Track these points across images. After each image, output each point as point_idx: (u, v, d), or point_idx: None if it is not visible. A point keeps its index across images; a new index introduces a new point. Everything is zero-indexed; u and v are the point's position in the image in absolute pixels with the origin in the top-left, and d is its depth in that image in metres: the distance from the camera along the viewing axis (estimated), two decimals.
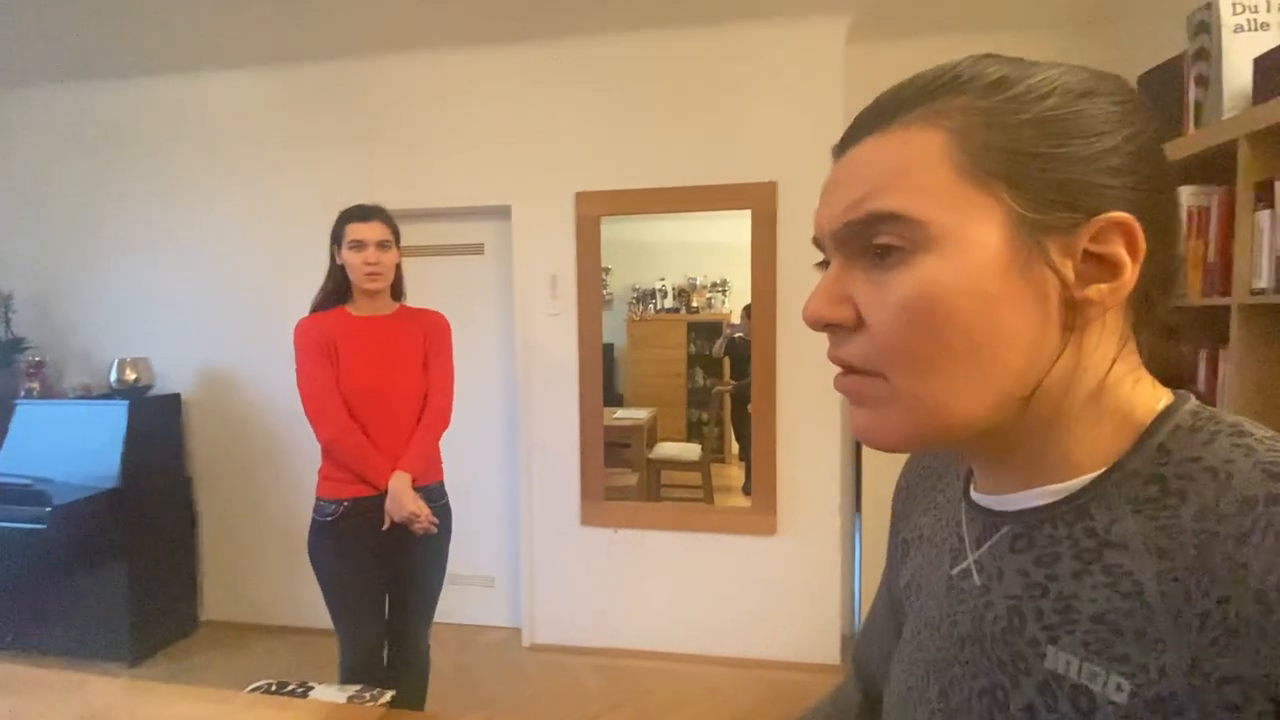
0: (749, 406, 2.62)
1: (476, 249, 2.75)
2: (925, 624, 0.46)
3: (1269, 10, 1.39)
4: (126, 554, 2.51)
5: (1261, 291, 1.27)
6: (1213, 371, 1.43)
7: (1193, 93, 1.49)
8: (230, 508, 2.88)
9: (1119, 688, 0.32)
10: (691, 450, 4.37)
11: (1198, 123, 1.47)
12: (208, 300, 2.83)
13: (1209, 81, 1.43)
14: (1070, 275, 0.35)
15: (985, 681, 0.39)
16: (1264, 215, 1.27)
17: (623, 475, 3.64)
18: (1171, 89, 1.56)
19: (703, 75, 2.42)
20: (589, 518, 2.63)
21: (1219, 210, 1.40)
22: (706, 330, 3.94)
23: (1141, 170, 0.35)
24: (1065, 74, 0.36)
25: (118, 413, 2.56)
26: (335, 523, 1.60)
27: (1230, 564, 0.30)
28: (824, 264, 0.41)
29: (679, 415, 5.36)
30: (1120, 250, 0.34)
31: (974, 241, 0.34)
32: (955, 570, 0.44)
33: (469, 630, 2.78)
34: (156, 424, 2.70)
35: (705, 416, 4.67)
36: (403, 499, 1.57)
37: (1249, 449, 0.33)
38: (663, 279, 5.15)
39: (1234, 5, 1.39)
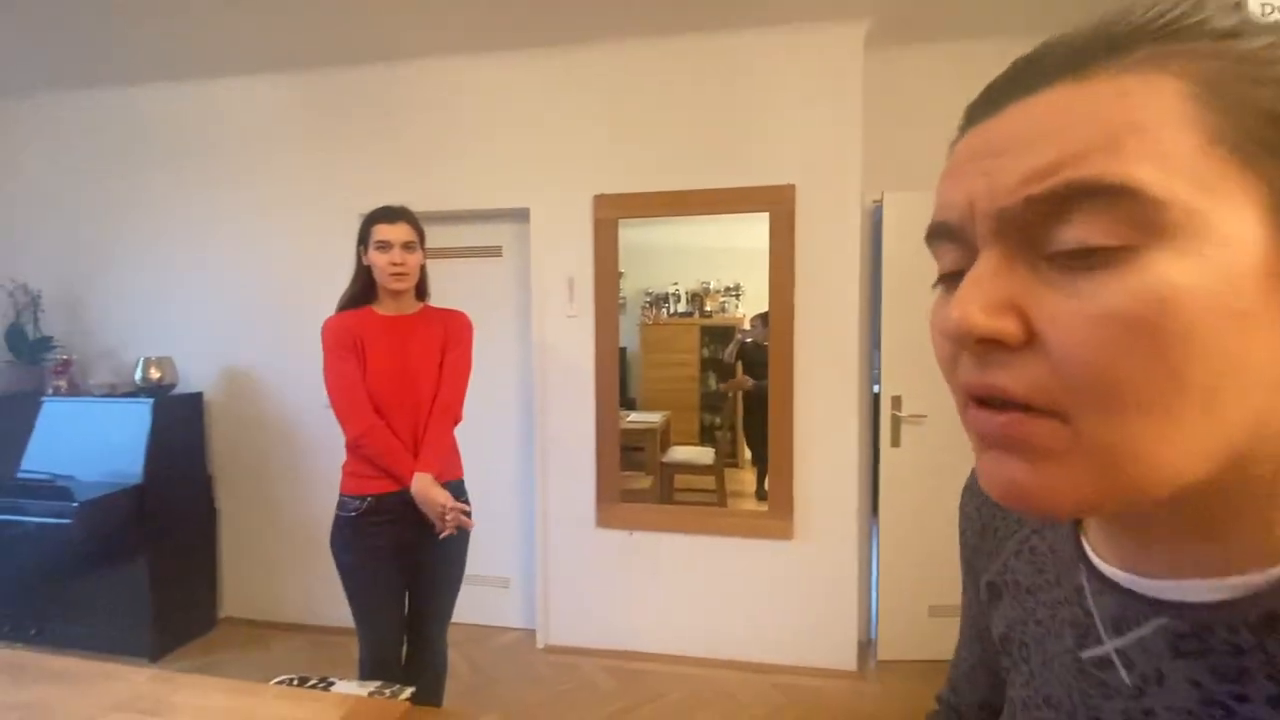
0: (764, 410, 2.61)
1: (495, 251, 2.77)
2: (1046, 702, 0.38)
3: None
4: (148, 550, 2.55)
5: None
6: None
7: None
8: (250, 506, 2.92)
9: None
10: (705, 454, 4.36)
11: None
12: (230, 301, 2.87)
13: None
14: None
15: None
16: None
17: (636, 478, 3.65)
18: None
19: (721, 79, 2.43)
20: (604, 520, 2.63)
21: None
22: (719, 335, 3.93)
23: None
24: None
25: (142, 411, 2.60)
26: (358, 518, 1.61)
27: None
28: (950, 277, 0.31)
29: (692, 419, 5.36)
30: None
31: (1229, 236, 0.24)
32: (1086, 655, 0.35)
33: (484, 631, 2.79)
34: (179, 422, 2.74)
35: (718, 420, 4.67)
36: (431, 495, 1.59)
37: None
38: (676, 283, 5.15)
39: (1264, 5, 1.38)
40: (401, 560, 1.67)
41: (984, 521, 0.48)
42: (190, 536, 2.78)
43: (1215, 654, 0.29)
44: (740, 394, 3.67)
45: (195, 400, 2.85)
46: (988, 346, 0.28)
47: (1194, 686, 0.29)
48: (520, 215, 2.64)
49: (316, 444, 2.75)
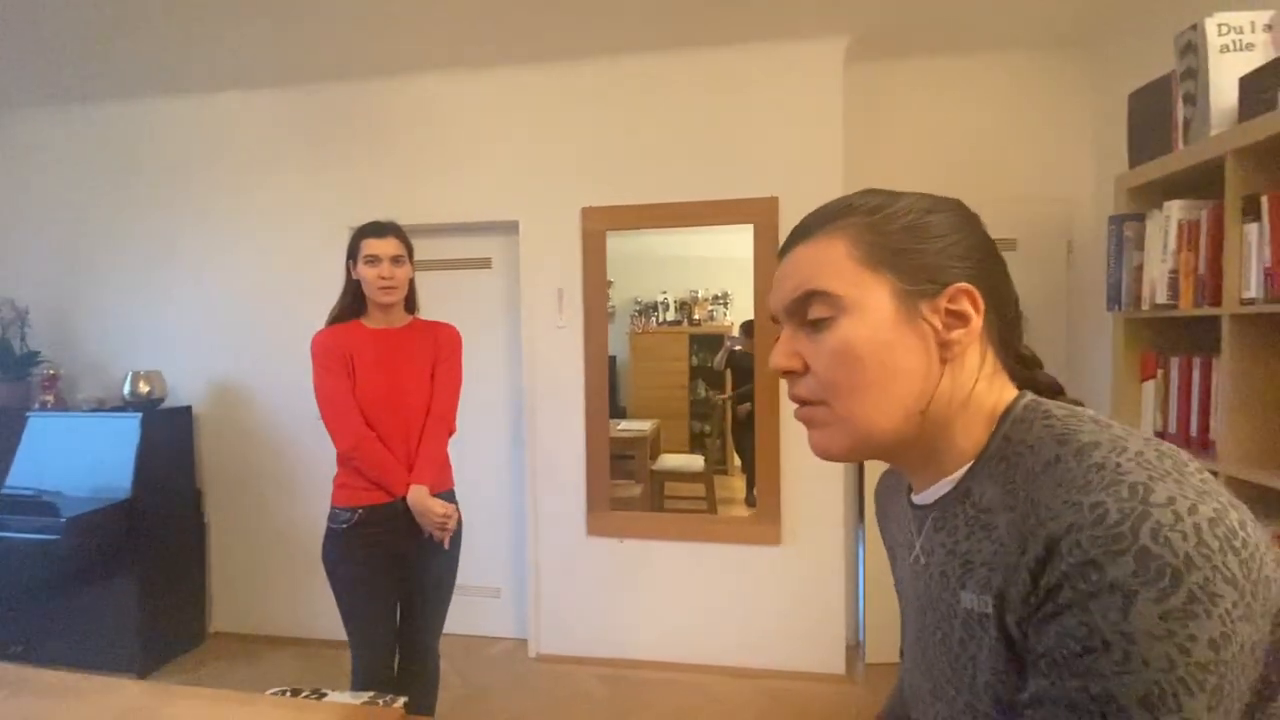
0: (752, 417, 2.64)
1: (484, 263, 2.80)
2: (908, 606, 0.61)
3: (1254, 31, 1.45)
4: (137, 565, 2.53)
5: (1251, 301, 1.31)
6: (1206, 379, 1.47)
7: (1181, 110, 1.53)
8: (240, 520, 2.91)
9: (988, 604, 0.46)
10: (695, 462, 4.39)
11: (1186, 139, 1.52)
12: (219, 315, 2.88)
13: (1196, 99, 1.48)
14: (939, 325, 0.51)
15: (939, 633, 0.52)
16: (1252, 229, 1.31)
17: (627, 487, 3.67)
18: (1160, 106, 1.61)
19: (706, 94, 2.49)
20: (595, 528, 2.65)
21: (1209, 224, 1.44)
22: (708, 343, 3.98)
23: (974, 255, 0.52)
24: (919, 199, 0.54)
25: (130, 425, 2.59)
26: (350, 530, 1.63)
27: (1037, 505, 0.43)
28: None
29: (682, 427, 5.38)
30: (968, 307, 0.51)
31: (873, 307, 0.51)
32: (911, 559, 0.58)
33: (476, 641, 2.79)
34: (168, 436, 2.74)
35: (708, 428, 4.70)
36: (428, 507, 1.61)
37: (1050, 426, 0.47)
38: (665, 292, 5.19)
39: (1220, 27, 1.45)
40: (393, 571, 1.68)
41: (880, 507, 0.70)
42: (179, 550, 2.77)
43: (948, 524, 0.52)
44: (729, 401, 3.71)
45: (184, 414, 2.85)
46: (789, 375, 0.55)
47: (942, 547, 0.53)
48: (509, 228, 2.67)
49: (307, 457, 2.75)
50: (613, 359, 5.82)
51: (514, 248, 2.69)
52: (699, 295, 4.19)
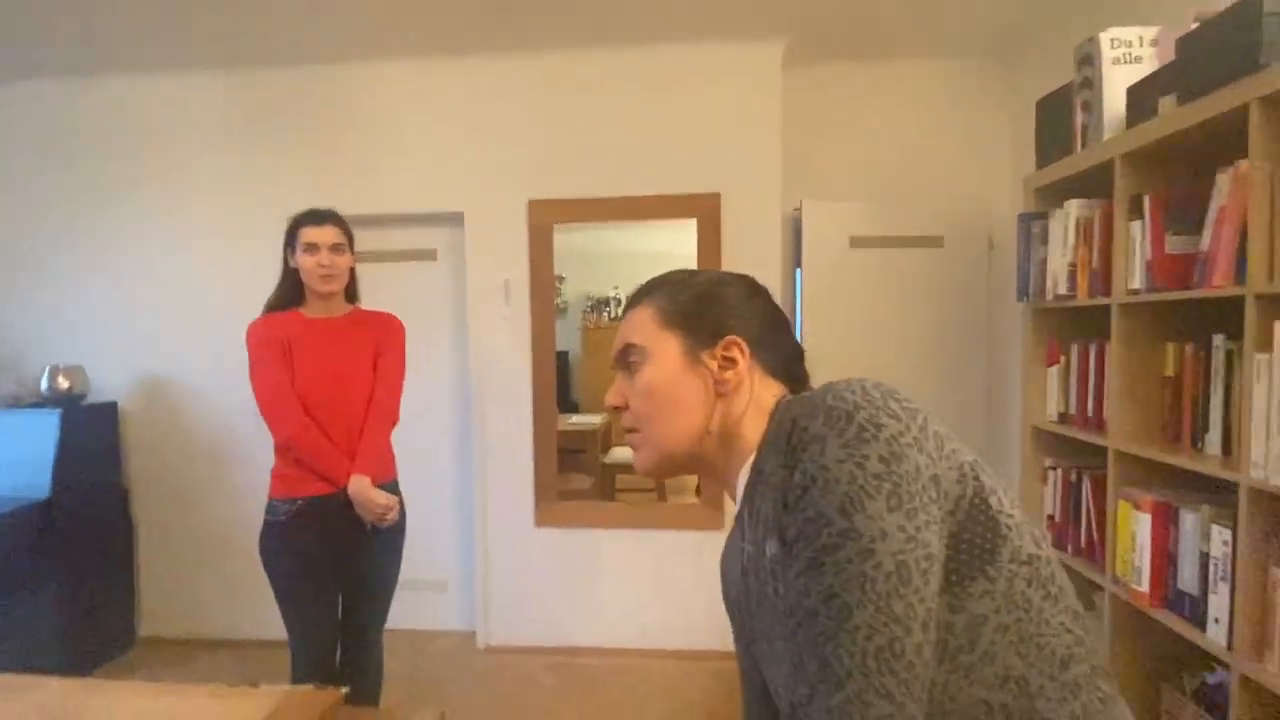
0: None
1: (429, 255, 2.77)
2: (741, 619, 0.71)
3: (1141, 45, 1.59)
4: (59, 568, 2.41)
5: (1136, 292, 1.45)
6: (1100, 363, 1.61)
7: (1080, 117, 1.67)
8: (170, 519, 2.80)
9: (771, 548, 0.56)
10: None
11: (1083, 144, 1.66)
12: (147, 306, 2.76)
13: (1092, 107, 1.62)
14: (715, 368, 0.66)
15: (766, 602, 0.60)
16: (1136, 225, 1.45)
17: (578, 480, 3.69)
18: (1063, 113, 1.75)
19: (651, 91, 2.53)
20: (543, 519, 2.67)
21: (1101, 221, 1.58)
22: None
23: (753, 317, 0.68)
24: (713, 276, 0.71)
25: (49, 422, 2.46)
26: (289, 522, 1.61)
27: (781, 468, 0.55)
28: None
29: None
30: (736, 354, 0.66)
31: (666, 355, 0.67)
32: (744, 560, 0.68)
33: (422, 635, 2.78)
34: (91, 433, 2.61)
35: None
36: (370, 498, 1.60)
37: (788, 407, 0.60)
38: (616, 287, 5.22)
39: (1112, 41, 1.58)
40: (335, 563, 1.66)
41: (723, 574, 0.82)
42: (104, 552, 2.65)
43: (753, 502, 0.62)
44: None
45: (109, 410, 2.72)
46: (617, 410, 0.71)
47: (749, 520, 0.63)
48: (455, 219, 2.66)
49: (241, 453, 2.67)
50: (565, 354, 5.82)
51: (460, 239, 2.68)
52: None
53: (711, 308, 0.67)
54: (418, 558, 2.60)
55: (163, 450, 2.79)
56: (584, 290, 6.09)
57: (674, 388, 0.66)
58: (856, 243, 2.61)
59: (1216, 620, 1.23)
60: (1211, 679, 1.37)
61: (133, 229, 2.75)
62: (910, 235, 2.61)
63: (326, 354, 1.65)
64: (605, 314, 6.09)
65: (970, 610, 0.50)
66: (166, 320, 2.75)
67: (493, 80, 2.58)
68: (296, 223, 1.66)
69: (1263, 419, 1.12)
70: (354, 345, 1.69)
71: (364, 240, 2.68)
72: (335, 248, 1.64)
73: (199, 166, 2.71)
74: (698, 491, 2.81)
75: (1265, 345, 1.12)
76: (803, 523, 0.50)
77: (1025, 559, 0.52)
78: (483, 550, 2.70)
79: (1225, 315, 1.24)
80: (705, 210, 2.52)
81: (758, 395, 0.66)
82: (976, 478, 0.52)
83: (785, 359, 0.69)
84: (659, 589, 2.64)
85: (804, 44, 2.51)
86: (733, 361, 0.66)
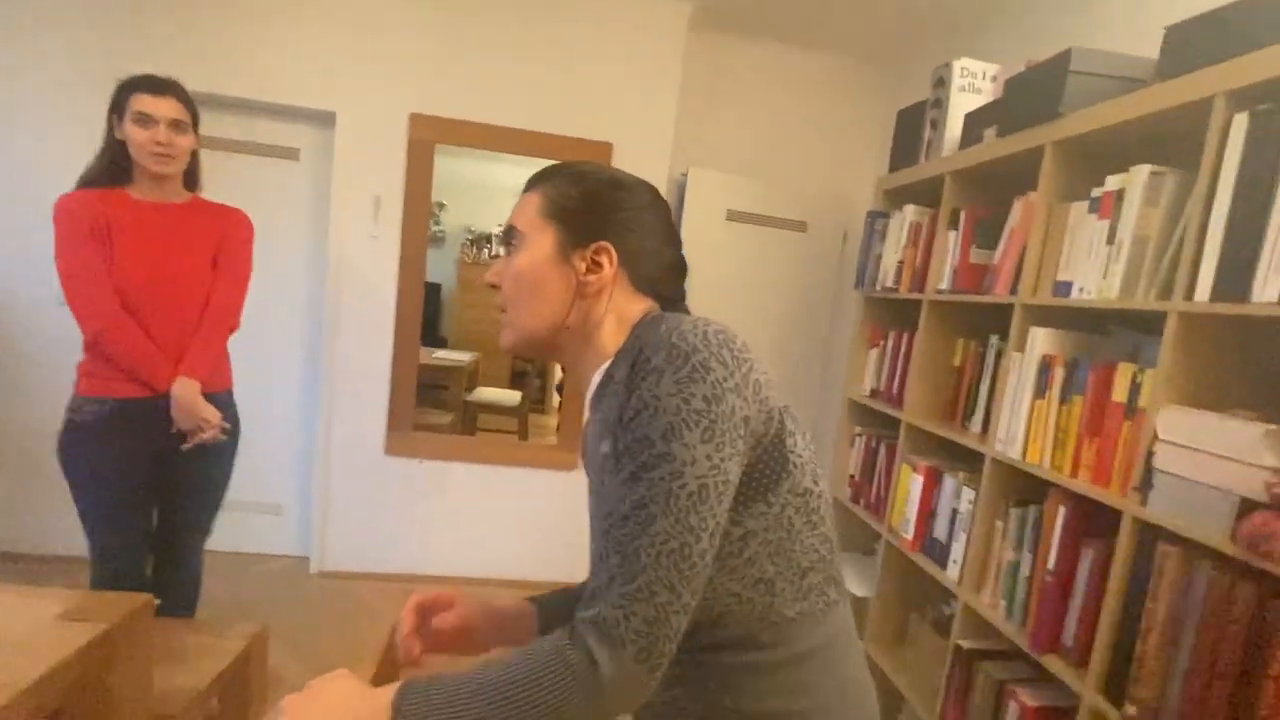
0: None
1: (291, 154, 2.54)
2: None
3: (984, 79, 1.81)
4: None
5: (942, 291, 1.70)
6: (908, 349, 1.87)
7: (927, 132, 1.89)
8: None
9: (605, 448, 0.63)
10: (511, 396, 4.46)
11: (926, 156, 1.87)
12: None
13: (938, 125, 1.83)
14: (582, 269, 0.69)
15: (597, 495, 0.68)
16: (952, 235, 1.68)
17: (436, 415, 3.63)
18: (916, 126, 1.96)
19: (552, 27, 2.47)
20: (394, 448, 2.62)
21: (928, 227, 1.81)
22: None
23: (638, 228, 0.70)
24: (611, 177, 0.71)
25: None
26: (97, 423, 1.45)
27: (624, 388, 0.61)
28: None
29: (504, 363, 5.39)
30: (605, 260, 0.69)
31: (540, 244, 0.70)
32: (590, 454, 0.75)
33: (250, 558, 2.65)
34: None
35: (530, 367, 4.77)
36: (192, 405, 1.47)
37: (648, 327, 0.63)
38: (500, 224, 5.04)
39: (962, 69, 1.79)
40: (151, 470, 1.54)
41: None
42: None
43: (601, 402, 0.68)
44: None
45: None
46: (495, 289, 0.73)
47: (595, 416, 0.70)
48: (325, 119, 2.45)
49: (35, 347, 2.35)
50: (438, 286, 5.58)
51: (328, 143, 2.47)
52: None
53: (595, 209, 0.69)
54: (250, 479, 2.47)
55: None
56: (465, 223, 5.84)
57: (539, 278, 0.69)
58: (733, 216, 2.75)
59: (955, 562, 1.52)
60: (947, 610, 1.70)
61: None
62: (779, 217, 2.80)
63: (156, 243, 1.48)
64: (486, 250, 5.89)
65: (746, 525, 0.60)
66: None
67: None
68: (128, 87, 1.45)
69: (1009, 404, 1.39)
70: (190, 237, 1.53)
71: (216, 125, 2.41)
72: (175, 124, 1.46)
73: (21, 21, 2.25)
74: (558, 431, 2.89)
75: (1021, 346, 1.38)
76: (631, 440, 0.57)
77: (801, 492, 0.62)
78: (324, 475, 2.60)
79: (1003, 320, 1.50)
80: (596, 159, 2.53)
81: (621, 306, 0.70)
82: (781, 422, 0.62)
83: (665, 272, 0.72)
84: (507, 523, 2.71)
85: (711, 10, 2.56)
86: (599, 266, 0.68)
